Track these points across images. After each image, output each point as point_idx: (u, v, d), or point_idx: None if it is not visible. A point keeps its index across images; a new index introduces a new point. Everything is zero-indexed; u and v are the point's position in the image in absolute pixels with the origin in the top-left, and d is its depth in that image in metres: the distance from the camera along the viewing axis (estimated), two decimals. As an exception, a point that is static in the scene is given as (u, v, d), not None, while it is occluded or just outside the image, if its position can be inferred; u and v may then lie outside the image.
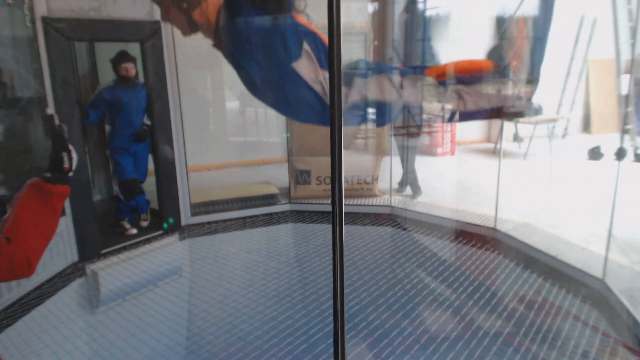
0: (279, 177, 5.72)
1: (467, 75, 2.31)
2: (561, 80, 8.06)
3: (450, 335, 2.87)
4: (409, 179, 5.54)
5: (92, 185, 4.57)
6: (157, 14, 4.17)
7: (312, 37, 2.11)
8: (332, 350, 1.19)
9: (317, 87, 2.02)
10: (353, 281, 3.54)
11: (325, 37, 2.17)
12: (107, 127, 4.72)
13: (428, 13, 4.13)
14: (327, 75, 2.09)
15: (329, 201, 1.11)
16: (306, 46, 2.08)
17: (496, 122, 7.63)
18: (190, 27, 2.22)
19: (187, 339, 2.99)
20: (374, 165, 5.42)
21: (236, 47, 2.05)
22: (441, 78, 2.31)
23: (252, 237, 4.65)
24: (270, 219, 5.04)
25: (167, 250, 4.30)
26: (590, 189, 5.57)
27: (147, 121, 4.37)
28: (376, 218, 4.98)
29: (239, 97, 7.23)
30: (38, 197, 1.33)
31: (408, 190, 5.57)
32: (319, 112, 2.05)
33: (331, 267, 1.13)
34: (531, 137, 7.23)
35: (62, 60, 3.63)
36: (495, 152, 7.63)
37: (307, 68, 2.04)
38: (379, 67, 2.86)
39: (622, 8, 5.66)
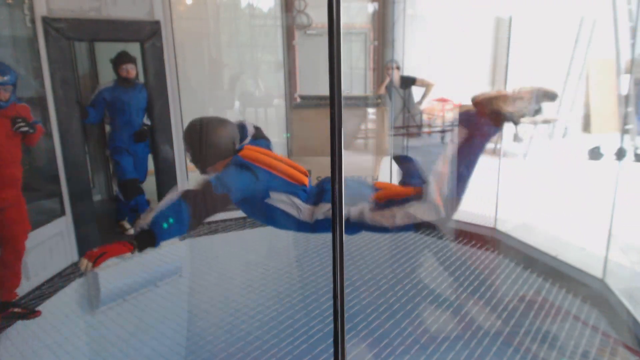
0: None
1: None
2: (561, 81, 8.05)
3: (450, 335, 2.87)
4: None
5: (92, 185, 4.57)
6: (157, 14, 4.18)
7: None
8: (332, 351, 1.19)
9: (292, 211, 2.32)
10: (353, 281, 3.54)
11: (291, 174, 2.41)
12: (107, 127, 4.72)
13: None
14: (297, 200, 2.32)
15: (329, 201, 1.11)
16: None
17: (496, 122, 7.59)
18: None
19: (187, 339, 2.99)
20: (373, 165, 5.42)
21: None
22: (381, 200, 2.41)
23: (252, 237, 4.64)
24: (270, 219, 5.03)
25: (167, 250, 4.29)
26: (590, 189, 5.57)
27: (147, 121, 4.37)
28: (376, 218, 4.96)
29: (238, 97, 7.22)
30: None
31: None
32: (294, 222, 2.33)
33: (331, 267, 1.13)
34: (531, 137, 7.22)
35: (62, 60, 3.63)
36: (495, 152, 7.62)
37: (282, 199, 2.34)
38: None
39: (622, 8, 5.66)
